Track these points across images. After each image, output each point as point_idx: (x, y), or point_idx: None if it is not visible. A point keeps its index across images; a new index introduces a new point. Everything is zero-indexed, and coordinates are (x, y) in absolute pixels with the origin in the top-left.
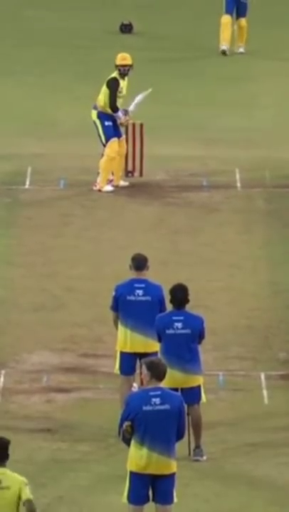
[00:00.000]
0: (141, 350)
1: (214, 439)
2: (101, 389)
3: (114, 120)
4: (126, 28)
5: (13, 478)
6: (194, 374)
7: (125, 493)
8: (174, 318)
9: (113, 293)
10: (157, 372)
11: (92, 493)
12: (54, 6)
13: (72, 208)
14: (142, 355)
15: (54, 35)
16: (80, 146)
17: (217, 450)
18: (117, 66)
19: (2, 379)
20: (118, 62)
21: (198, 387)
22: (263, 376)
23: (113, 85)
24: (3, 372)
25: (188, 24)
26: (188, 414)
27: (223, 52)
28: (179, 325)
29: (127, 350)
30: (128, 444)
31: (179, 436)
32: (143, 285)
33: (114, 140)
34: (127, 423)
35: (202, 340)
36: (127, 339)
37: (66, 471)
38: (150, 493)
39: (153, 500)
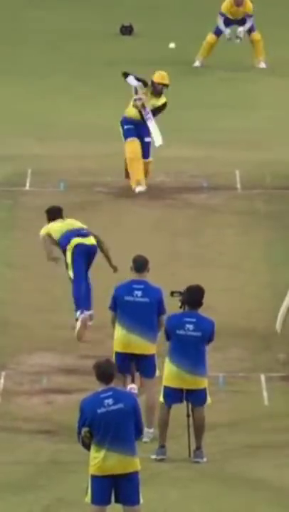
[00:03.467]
0: (136, 351)
1: (214, 441)
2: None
3: (135, 124)
4: (126, 30)
5: None
6: (200, 376)
7: (88, 495)
8: (186, 319)
9: (113, 293)
10: (103, 374)
11: None
12: (54, 6)
13: (72, 209)
14: (137, 357)
15: (54, 36)
16: (81, 148)
17: (217, 451)
18: (152, 82)
19: (2, 380)
20: (155, 79)
21: (204, 389)
22: (263, 378)
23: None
24: (3, 373)
25: (188, 25)
26: (187, 415)
27: (196, 68)
28: (191, 327)
29: (123, 350)
30: (88, 449)
31: (138, 433)
32: (142, 286)
33: (129, 140)
34: (84, 429)
35: (210, 343)
36: (123, 339)
37: (66, 473)
38: (113, 494)
39: (119, 502)
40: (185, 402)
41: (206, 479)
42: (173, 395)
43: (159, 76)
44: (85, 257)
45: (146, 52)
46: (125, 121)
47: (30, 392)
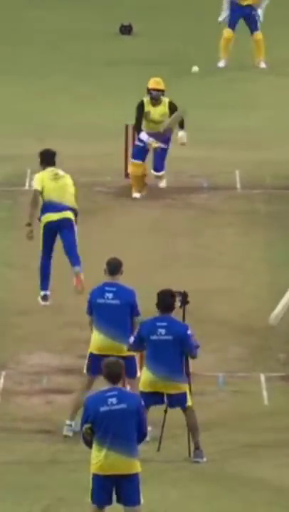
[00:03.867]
0: (108, 353)
1: (214, 441)
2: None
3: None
4: (125, 29)
5: None
6: (177, 382)
7: (90, 494)
8: (158, 324)
9: (88, 297)
10: (110, 374)
11: None
12: (54, 6)
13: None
14: (105, 357)
15: (54, 35)
16: (80, 148)
17: (217, 451)
18: (148, 90)
19: (2, 380)
20: (150, 86)
21: (184, 393)
22: (262, 377)
23: (137, 109)
24: (3, 373)
25: (188, 25)
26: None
27: (220, 68)
28: (163, 331)
29: (96, 352)
30: (90, 446)
31: (140, 436)
32: (114, 289)
33: (132, 162)
34: (86, 425)
35: (193, 350)
36: (98, 342)
37: (66, 472)
38: (114, 495)
39: (120, 502)
40: None
41: (206, 479)
42: (150, 398)
43: (154, 82)
44: (52, 234)
45: (146, 51)
46: (138, 136)
47: (30, 392)
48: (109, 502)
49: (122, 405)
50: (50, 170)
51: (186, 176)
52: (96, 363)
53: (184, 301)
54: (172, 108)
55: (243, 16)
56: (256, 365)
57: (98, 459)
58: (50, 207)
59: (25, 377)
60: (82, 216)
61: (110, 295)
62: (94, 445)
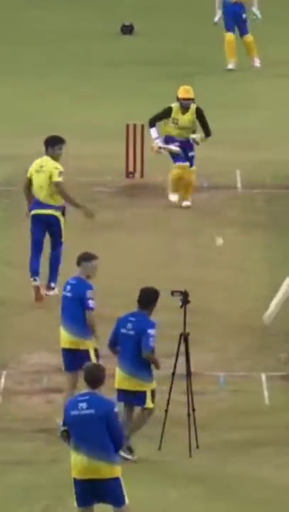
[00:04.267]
0: (67, 346)
1: (214, 440)
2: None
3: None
4: (127, 29)
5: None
6: (139, 379)
7: (74, 497)
8: (130, 318)
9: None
10: (88, 378)
11: None
12: (55, 6)
13: (71, 209)
14: (69, 352)
15: (55, 35)
16: (81, 148)
17: (217, 450)
18: (178, 99)
19: (3, 380)
20: (180, 95)
21: (144, 392)
22: (263, 377)
23: (163, 111)
24: (3, 373)
25: (188, 25)
26: (188, 415)
27: (230, 70)
28: (130, 325)
29: (62, 346)
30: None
31: (116, 443)
32: (74, 282)
33: (176, 164)
34: (62, 428)
35: (146, 348)
36: (60, 335)
37: (66, 472)
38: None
39: (105, 503)
40: (186, 400)
41: (206, 478)
42: (122, 396)
43: (183, 91)
44: (38, 228)
45: (147, 51)
46: (170, 139)
47: (31, 391)
48: (94, 501)
49: (90, 410)
50: (40, 160)
51: None
52: (64, 358)
53: (185, 301)
54: (199, 113)
55: (233, 14)
56: (257, 365)
57: (75, 462)
58: (34, 201)
59: (25, 377)
60: (82, 217)
61: (68, 287)
62: (71, 449)
